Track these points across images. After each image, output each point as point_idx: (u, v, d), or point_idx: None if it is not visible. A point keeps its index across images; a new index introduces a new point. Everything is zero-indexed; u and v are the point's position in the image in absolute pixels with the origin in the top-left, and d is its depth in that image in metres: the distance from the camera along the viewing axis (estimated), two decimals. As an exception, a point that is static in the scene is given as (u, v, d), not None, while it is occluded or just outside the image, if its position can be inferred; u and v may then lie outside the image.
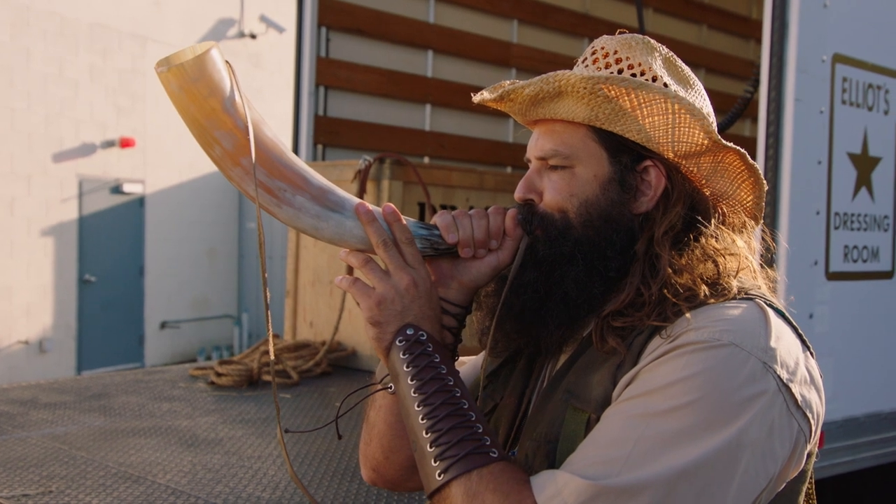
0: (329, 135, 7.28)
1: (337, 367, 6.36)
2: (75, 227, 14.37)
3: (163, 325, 15.86)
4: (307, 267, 6.74)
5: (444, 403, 1.64)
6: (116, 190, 14.96)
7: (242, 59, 16.62)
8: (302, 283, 6.77)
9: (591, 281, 1.71)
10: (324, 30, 7.25)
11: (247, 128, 1.65)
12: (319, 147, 7.20)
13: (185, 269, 16.16)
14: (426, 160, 7.99)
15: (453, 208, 6.47)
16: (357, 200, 1.76)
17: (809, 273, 4.75)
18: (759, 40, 4.75)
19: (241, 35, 16.89)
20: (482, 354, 2.02)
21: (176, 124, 14.85)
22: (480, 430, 1.61)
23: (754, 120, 4.86)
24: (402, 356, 1.69)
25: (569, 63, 1.83)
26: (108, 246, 14.94)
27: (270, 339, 1.70)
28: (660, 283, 1.66)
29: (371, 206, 1.75)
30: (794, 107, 4.60)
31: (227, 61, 1.66)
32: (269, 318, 1.69)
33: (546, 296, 1.74)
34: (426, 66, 8.11)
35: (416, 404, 1.65)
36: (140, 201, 15.42)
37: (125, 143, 14.90)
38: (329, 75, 7.29)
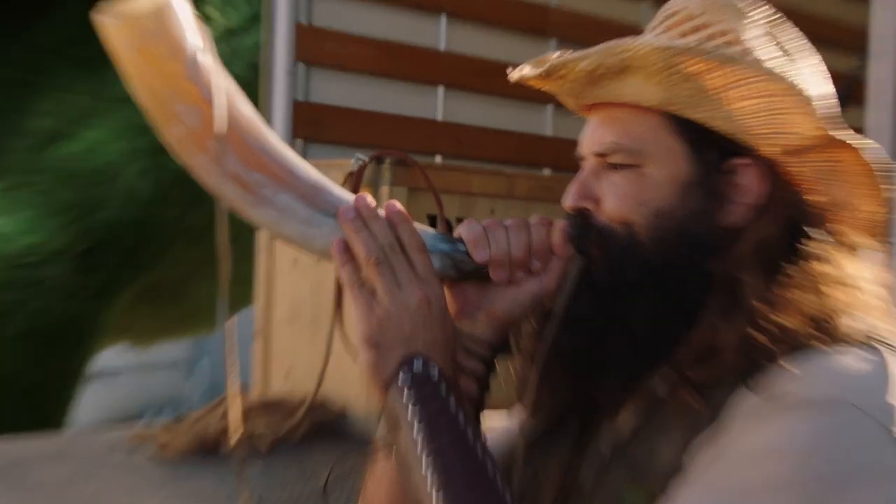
0: (311, 126, 7.30)
1: (321, 430, 6.32)
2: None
3: (98, 374, 15.87)
4: (283, 298, 6.73)
5: (460, 459, 1.63)
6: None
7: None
8: (276, 321, 6.77)
9: (664, 316, 1.70)
10: (305, -11, 7.27)
11: (217, 99, 1.63)
12: (299, 142, 7.20)
13: None
14: (438, 159, 7.99)
15: (475, 222, 6.49)
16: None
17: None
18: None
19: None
20: (517, 415, 2.01)
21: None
22: (507, 499, 1.61)
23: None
24: (406, 395, 1.67)
25: (626, 34, 1.79)
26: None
27: (232, 384, 1.70)
28: (750, 319, 1.64)
29: (367, 203, 1.74)
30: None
31: (196, 13, 1.65)
32: (234, 357, 1.70)
33: (606, 336, 1.72)
34: (438, 36, 8.10)
35: (423, 458, 1.63)
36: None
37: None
38: (312, 49, 7.30)
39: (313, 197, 1.72)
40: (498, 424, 2.05)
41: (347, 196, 1.75)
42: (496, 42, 8.27)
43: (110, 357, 16.00)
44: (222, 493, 5.09)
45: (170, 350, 16.79)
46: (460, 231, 1.81)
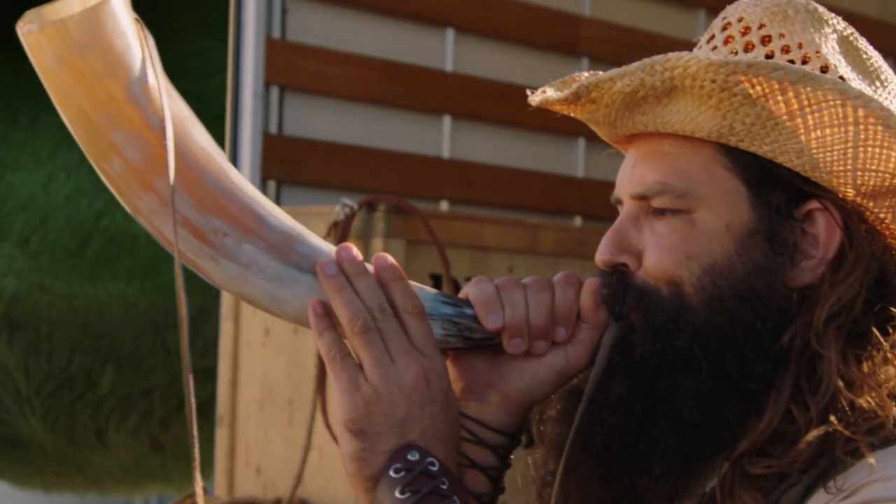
0: (287, 165, 7.33)
1: (300, 541, 6.31)
2: None
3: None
4: (251, 378, 6.73)
5: None
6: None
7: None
8: (243, 405, 6.76)
9: (720, 397, 1.69)
10: (278, -6, 7.29)
11: (164, 127, 1.62)
12: (271, 184, 7.21)
13: None
14: (444, 206, 8.02)
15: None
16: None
17: None
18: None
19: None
20: None
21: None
22: None
23: None
24: (399, 495, 1.66)
25: (674, 50, 1.80)
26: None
27: (198, 481, 1.69)
28: (824, 402, 1.64)
29: (352, 256, 1.74)
30: None
31: (137, 19, 1.64)
32: (196, 445, 1.69)
33: (648, 421, 1.71)
34: (444, 53, 8.12)
35: None
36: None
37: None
38: (286, 69, 7.33)
39: (285, 248, 1.71)
40: None
41: (327, 247, 1.75)
42: (514, 61, 8.30)
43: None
44: None
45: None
46: (468, 291, 1.80)
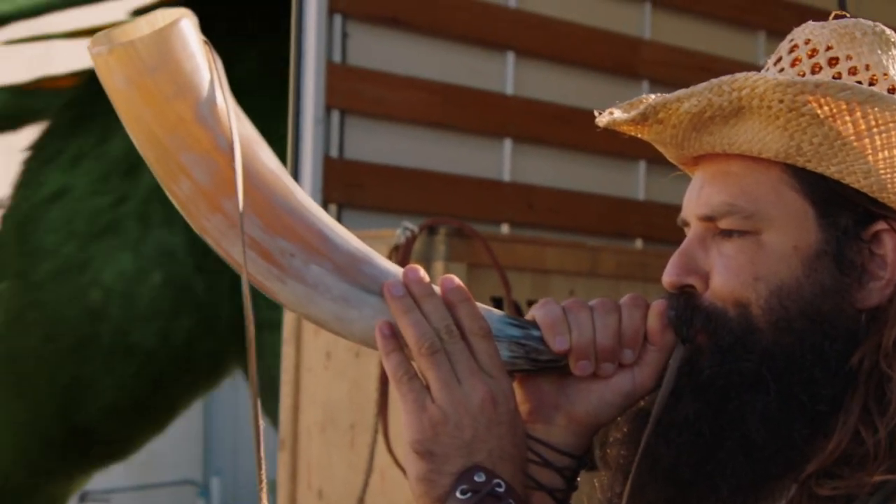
0: (347, 188, 7.33)
1: (365, 565, 6.31)
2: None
3: (83, 498, 15.90)
4: (313, 402, 6.73)
5: None
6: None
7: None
8: (304, 428, 6.76)
9: (788, 418, 1.68)
10: (338, 18, 7.28)
11: (232, 149, 1.62)
12: (332, 208, 7.19)
13: None
14: (505, 229, 8.01)
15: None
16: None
17: None
18: None
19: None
20: None
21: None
22: None
23: None
24: None
25: (733, 71, 1.79)
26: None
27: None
28: (893, 423, 1.63)
29: (419, 277, 1.74)
30: None
31: (205, 41, 1.64)
32: (263, 469, 1.69)
33: (715, 442, 1.70)
34: (504, 77, 8.12)
35: None
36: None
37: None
38: (346, 92, 7.34)
39: (352, 269, 1.71)
40: None
41: (394, 269, 1.74)
42: (574, 84, 8.28)
43: (106, 475, 16.05)
44: None
45: (175, 468, 16.79)
46: (534, 313, 1.79)
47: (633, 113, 1.77)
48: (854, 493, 1.61)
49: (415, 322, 1.69)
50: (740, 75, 1.66)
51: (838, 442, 1.64)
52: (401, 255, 5.99)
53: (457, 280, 1.74)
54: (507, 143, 8.09)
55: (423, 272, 1.74)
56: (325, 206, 7.08)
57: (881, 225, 1.69)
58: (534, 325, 1.77)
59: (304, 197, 1.70)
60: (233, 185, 1.60)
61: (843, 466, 1.63)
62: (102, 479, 15.88)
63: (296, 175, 7.09)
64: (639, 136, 1.83)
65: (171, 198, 1.65)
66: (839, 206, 1.69)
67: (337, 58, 7.28)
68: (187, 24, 1.59)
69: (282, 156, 6.98)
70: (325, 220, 1.72)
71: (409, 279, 1.72)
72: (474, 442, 1.68)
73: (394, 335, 1.70)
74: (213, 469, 16.83)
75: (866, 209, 1.68)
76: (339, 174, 7.27)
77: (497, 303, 6.22)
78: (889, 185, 1.64)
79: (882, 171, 1.63)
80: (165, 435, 16.39)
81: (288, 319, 6.84)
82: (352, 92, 7.37)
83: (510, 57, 8.11)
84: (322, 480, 6.69)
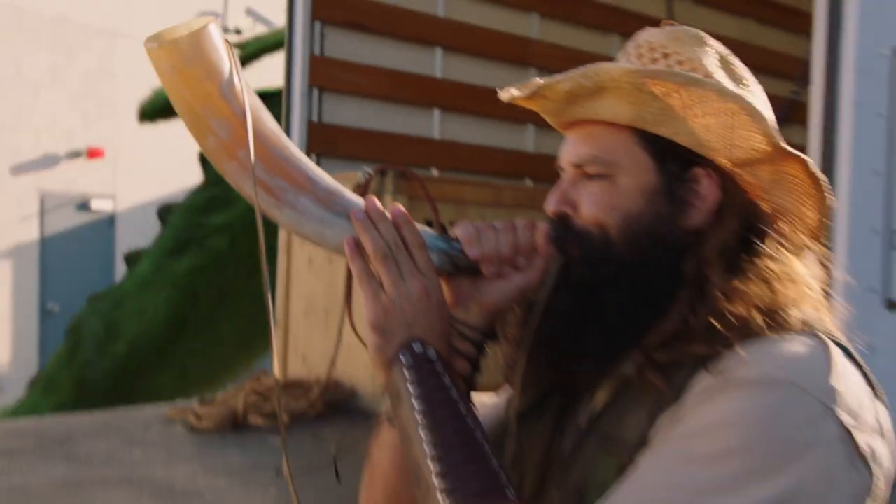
0: (324, 144, 7.33)
1: (334, 407, 6.33)
2: (36, 249, 14.39)
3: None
4: (299, 295, 6.73)
5: (455, 431, 1.64)
6: (83, 207, 14.99)
7: (226, 58, 16.63)
8: (293, 313, 6.77)
9: (635, 307, 1.69)
10: (318, 24, 7.27)
11: (245, 115, 1.64)
12: (313, 157, 7.17)
13: None
14: (435, 173, 8.03)
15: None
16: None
17: (867, 301, 4.69)
18: (810, 35, 4.76)
19: (226, 30, 16.87)
20: (504, 394, 2.00)
21: (150, 131, 14.93)
22: (495, 466, 1.60)
23: (805, 125, 4.91)
24: (406, 374, 1.68)
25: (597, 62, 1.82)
26: (74, 270, 14.95)
27: (276, 363, 1.67)
28: (709, 310, 1.64)
29: (376, 206, 1.74)
30: (850, 110, 4.59)
31: (226, 40, 1.66)
32: (274, 340, 1.69)
33: (583, 324, 1.72)
34: (435, 65, 8.14)
35: (421, 430, 1.64)
36: (110, 219, 15.45)
37: (93, 154, 14.93)
38: (324, 76, 7.33)
39: (329, 200, 1.72)
40: (487, 401, 2.04)
41: (358, 200, 1.75)
42: (485, 70, 8.31)
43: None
44: (247, 463, 5.10)
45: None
46: (456, 231, 1.80)
47: (526, 91, 1.76)
48: (680, 361, 1.62)
49: (372, 238, 1.70)
50: (602, 64, 1.67)
51: (671, 323, 1.65)
52: (361, 190, 5.96)
53: (402, 208, 1.74)
54: (437, 112, 8.15)
55: (378, 203, 1.74)
56: (308, 156, 7.01)
57: (700, 170, 1.69)
58: (456, 240, 1.78)
59: (294, 149, 1.71)
60: (245, 140, 1.62)
61: (674, 340, 1.64)
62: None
63: (288, 134, 7.03)
64: (529, 107, 1.82)
65: (202, 149, 1.68)
66: (671, 157, 1.69)
67: (317, 51, 7.26)
68: (214, 28, 1.62)
69: (279, 119, 7.00)
70: (310, 165, 1.73)
71: (369, 207, 1.72)
72: (414, 322, 1.69)
73: (357, 246, 1.71)
74: None
75: (691, 159, 1.69)
76: (319, 134, 7.28)
77: (429, 224, 6.25)
78: (706, 143, 1.66)
79: (700, 133, 1.66)
80: None
81: (282, 237, 6.86)
82: (328, 76, 7.37)
83: (439, 51, 8.15)
84: (305, 349, 6.69)
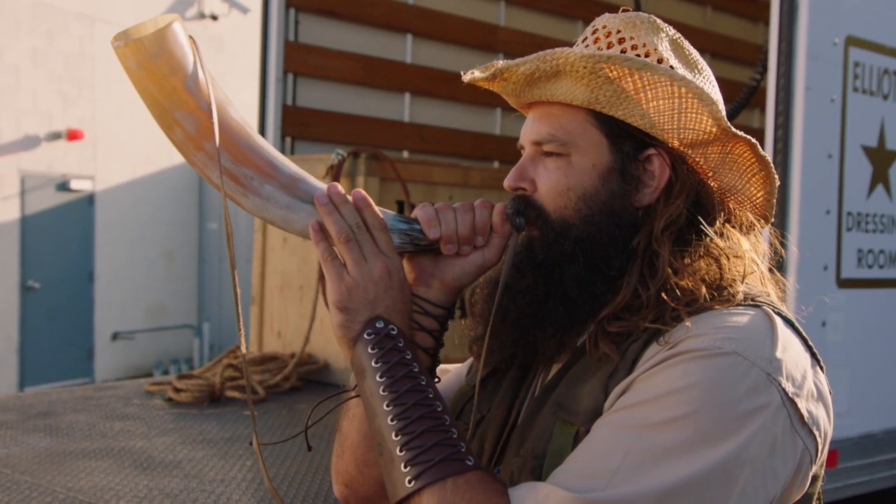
0: (298, 126, 7.30)
1: (308, 381, 6.37)
2: (17, 227, 14.32)
3: (115, 337, 15.81)
4: (274, 271, 6.73)
5: (416, 404, 1.65)
6: (63, 187, 14.92)
7: (203, 42, 16.47)
8: (269, 289, 6.77)
9: (592, 280, 1.72)
10: (292, 11, 7.25)
11: (210, 108, 1.66)
12: (288, 140, 7.21)
13: (140, 274, 16.12)
14: (405, 154, 8.01)
15: (435, 207, 6.48)
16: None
17: (819, 279, 4.77)
18: (767, 23, 4.79)
19: (202, 16, 16.86)
20: (466, 363, 2.05)
21: (129, 114, 14.87)
22: (455, 436, 1.63)
23: (764, 110, 4.93)
24: (370, 350, 1.70)
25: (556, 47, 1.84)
26: (54, 249, 14.90)
27: (243, 340, 1.71)
28: (658, 284, 1.68)
29: (338, 191, 1.76)
30: (804, 95, 4.64)
31: (190, 36, 1.68)
32: (241, 319, 1.71)
33: (545, 299, 1.75)
34: (405, 51, 8.12)
35: (384, 403, 1.66)
36: (89, 199, 15.38)
37: (72, 136, 14.84)
38: (298, 61, 7.30)
39: (293, 186, 1.74)
40: (451, 369, 2.07)
41: (321, 185, 1.77)
42: (453, 56, 8.29)
43: (129, 320, 15.97)
44: (223, 435, 5.11)
45: (178, 316, 16.72)
46: (416, 212, 1.82)
47: (487, 73, 1.79)
48: (630, 332, 1.66)
49: (335, 221, 1.72)
50: (558, 49, 1.70)
51: (623, 295, 1.69)
52: (335, 172, 6.04)
53: (363, 192, 1.78)
54: (407, 96, 8.14)
55: (340, 187, 1.76)
56: (283, 138, 7.11)
57: (651, 151, 1.72)
58: (416, 221, 1.80)
59: (259, 139, 1.74)
60: (211, 132, 1.65)
61: (626, 312, 1.68)
62: (128, 322, 15.85)
63: (263, 117, 7.11)
64: (491, 89, 1.85)
65: (170, 141, 1.70)
66: (624, 138, 1.72)
67: (292, 37, 7.24)
68: (178, 26, 1.64)
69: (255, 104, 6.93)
70: (274, 153, 1.75)
71: (331, 192, 1.74)
72: (376, 300, 1.71)
73: (321, 230, 1.73)
74: (205, 316, 16.75)
75: (642, 140, 1.72)
76: (293, 117, 7.24)
77: (400, 204, 6.29)
78: (657, 125, 1.68)
79: (652, 115, 1.68)
80: (170, 291, 16.51)
81: (257, 223, 6.84)
82: (302, 61, 7.34)
83: (409, 37, 8.13)
84: (280, 325, 6.70)
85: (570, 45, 1.82)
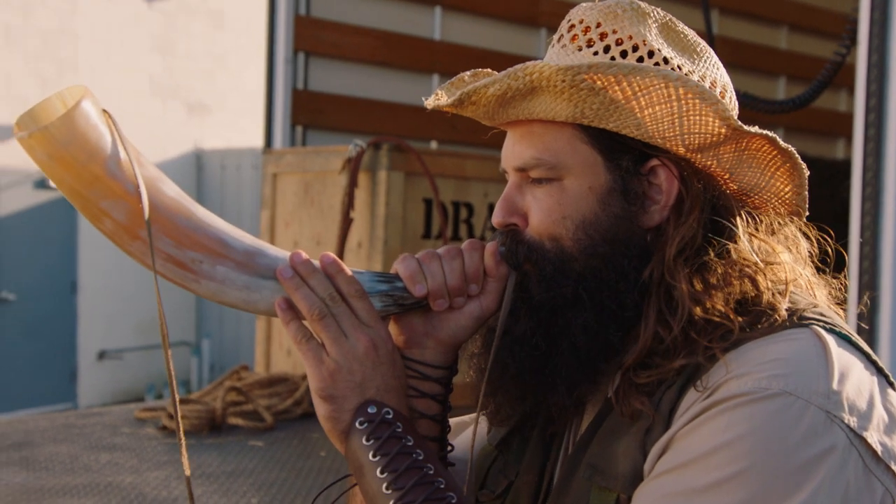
0: (311, 114, 7.34)
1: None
2: (-11, 231, 14.33)
3: (101, 356, 15.74)
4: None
5: (426, 500, 1.66)
6: (41, 184, 14.85)
7: (201, 17, 16.58)
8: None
9: (604, 326, 1.72)
10: (303, -20, 7.23)
11: (139, 192, 1.65)
12: (299, 129, 7.26)
13: (129, 284, 15.97)
14: (434, 145, 8.07)
15: (468, 205, 6.52)
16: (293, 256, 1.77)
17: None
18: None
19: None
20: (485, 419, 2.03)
21: (115, 99, 14.87)
22: None
23: (851, 90, 4.89)
24: (365, 442, 1.70)
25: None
26: (32, 255, 14.85)
27: (173, 384, 1.74)
28: (681, 320, 1.67)
29: (303, 259, 1.76)
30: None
31: (104, 110, 1.70)
32: (169, 355, 1.75)
33: (549, 351, 1.75)
34: (433, 26, 8.15)
35: (391, 502, 1.67)
36: (71, 198, 15.34)
37: (52, 124, 14.80)
38: (310, 39, 7.34)
39: (249, 263, 1.75)
40: (469, 421, 2.09)
41: (283, 254, 1.78)
42: (488, 31, 8.29)
43: (117, 337, 15.93)
44: (225, 468, 5.10)
45: (173, 332, 16.63)
46: (396, 268, 1.82)
47: (452, 98, 1.81)
48: (663, 378, 1.66)
49: (304, 296, 1.73)
50: (530, 63, 1.69)
51: (644, 340, 1.68)
52: (353, 166, 6.01)
53: (332, 255, 1.78)
54: (436, 78, 8.14)
55: (305, 255, 1.77)
56: (293, 128, 7.15)
57: (654, 161, 1.73)
58: (397, 277, 1.81)
59: (203, 213, 1.75)
60: (143, 219, 1.66)
61: (652, 357, 1.67)
62: (115, 340, 15.80)
63: (270, 103, 7.17)
64: (458, 113, 1.87)
65: (100, 233, 1.70)
66: (621, 152, 1.73)
67: (302, 11, 7.29)
68: (88, 103, 1.66)
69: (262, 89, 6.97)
70: (223, 227, 1.76)
71: (295, 262, 1.75)
72: (364, 382, 1.72)
73: (290, 307, 1.74)
74: (204, 332, 16.53)
75: (642, 151, 1.72)
76: (305, 103, 7.28)
77: (428, 203, 6.33)
78: (656, 134, 1.68)
79: (649, 124, 1.67)
80: (165, 304, 16.18)
81: (263, 220, 6.89)
82: (314, 38, 7.37)
83: (438, 10, 8.14)
84: (290, 343, 6.74)
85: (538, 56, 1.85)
